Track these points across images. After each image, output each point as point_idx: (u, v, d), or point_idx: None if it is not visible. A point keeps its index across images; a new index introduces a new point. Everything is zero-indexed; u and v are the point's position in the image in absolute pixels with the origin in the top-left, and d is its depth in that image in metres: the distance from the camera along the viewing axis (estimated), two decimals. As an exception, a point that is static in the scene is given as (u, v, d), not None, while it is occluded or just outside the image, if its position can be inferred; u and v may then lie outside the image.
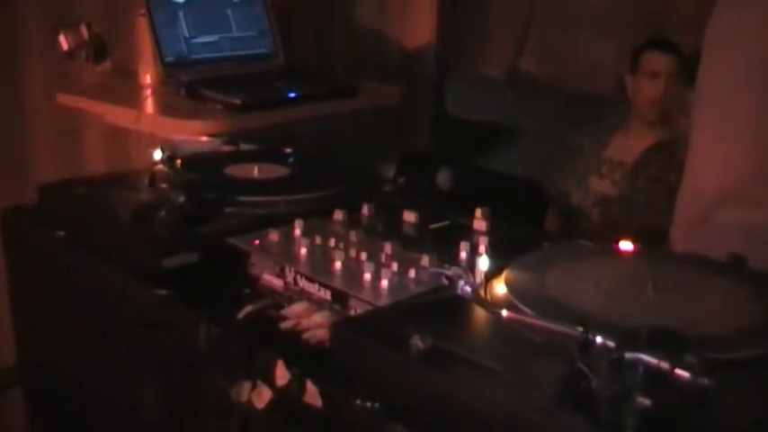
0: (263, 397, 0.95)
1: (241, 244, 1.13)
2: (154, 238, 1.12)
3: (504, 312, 0.86)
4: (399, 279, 1.00)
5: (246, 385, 0.96)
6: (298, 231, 1.15)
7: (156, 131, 1.73)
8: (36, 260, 1.37)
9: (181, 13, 1.94)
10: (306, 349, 0.97)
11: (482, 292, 0.93)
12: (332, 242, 1.11)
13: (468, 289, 0.89)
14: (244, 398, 0.96)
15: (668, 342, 0.75)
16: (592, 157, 2.65)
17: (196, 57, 1.94)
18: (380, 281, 0.99)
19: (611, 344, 0.76)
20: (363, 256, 1.06)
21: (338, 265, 1.04)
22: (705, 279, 1.02)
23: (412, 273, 1.02)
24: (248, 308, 1.06)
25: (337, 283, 1.01)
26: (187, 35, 1.94)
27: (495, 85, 3.38)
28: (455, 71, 3.42)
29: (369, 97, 2.02)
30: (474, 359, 0.82)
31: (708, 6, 1.43)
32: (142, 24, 1.97)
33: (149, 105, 1.80)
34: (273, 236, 1.13)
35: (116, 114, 1.80)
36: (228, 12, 2.04)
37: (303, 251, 1.08)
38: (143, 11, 1.95)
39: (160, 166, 1.33)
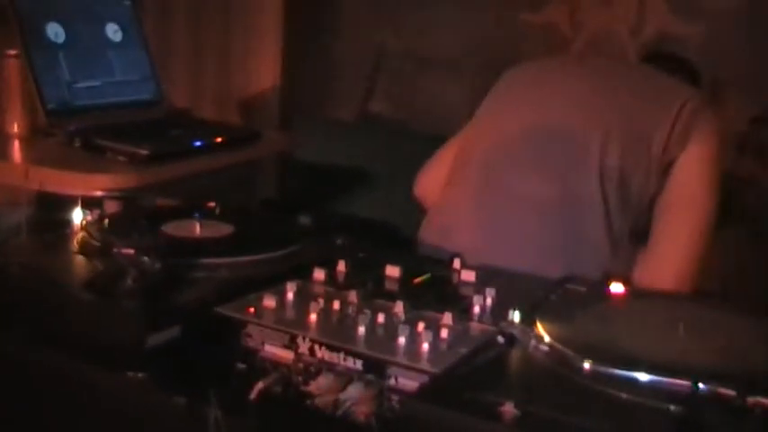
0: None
1: (233, 313, 1.00)
2: (134, 311, 0.97)
3: (587, 365, 0.82)
4: (435, 341, 0.93)
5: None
6: (291, 295, 1.04)
7: (51, 188, 1.53)
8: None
9: (60, 55, 1.75)
10: (349, 428, 0.87)
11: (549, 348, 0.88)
12: (336, 305, 1.02)
13: (543, 347, 0.84)
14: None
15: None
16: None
17: (80, 103, 1.75)
18: (419, 344, 0.92)
19: (730, 392, 0.74)
20: (381, 318, 0.98)
21: (361, 329, 0.95)
22: (712, 316, 1.04)
23: (444, 333, 0.95)
24: (259, 385, 0.94)
25: (369, 349, 0.92)
26: (69, 79, 1.75)
27: (346, 129, 3.37)
28: (303, 115, 3.37)
29: (268, 144, 1.92)
30: (569, 421, 0.77)
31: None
32: (11, 67, 1.75)
33: (35, 159, 1.59)
34: (269, 301, 1.01)
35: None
36: (109, 54, 1.86)
37: (313, 317, 0.98)
38: (11, 51, 1.73)
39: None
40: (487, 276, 1.16)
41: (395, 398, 0.89)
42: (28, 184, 1.56)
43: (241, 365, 0.99)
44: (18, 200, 1.58)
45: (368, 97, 3.38)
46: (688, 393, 0.76)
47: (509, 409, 0.77)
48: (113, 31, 1.89)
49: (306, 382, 0.94)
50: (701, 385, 0.76)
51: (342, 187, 3.18)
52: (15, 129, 1.76)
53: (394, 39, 3.32)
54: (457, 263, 1.20)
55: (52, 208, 1.53)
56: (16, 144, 1.71)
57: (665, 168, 1.53)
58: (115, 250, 1.04)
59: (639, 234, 1.52)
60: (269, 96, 3.30)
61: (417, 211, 2.81)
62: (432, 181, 1.83)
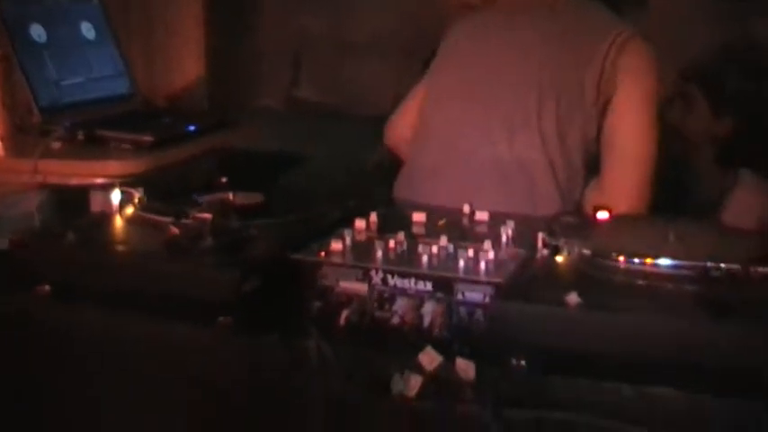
0: (412, 384, 1.01)
1: (308, 257, 1.16)
2: (221, 264, 1.11)
3: (621, 259, 1.03)
4: (487, 260, 1.12)
5: (396, 377, 1.02)
6: (349, 239, 1.20)
7: (62, 179, 1.63)
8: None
9: (45, 55, 1.83)
10: (429, 340, 1.05)
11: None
12: (392, 243, 1.19)
13: (586, 252, 1.05)
14: (394, 390, 1.02)
15: None
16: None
17: (68, 100, 1.84)
18: (476, 264, 1.10)
19: (735, 266, 0.96)
20: (435, 248, 1.16)
21: (424, 258, 1.13)
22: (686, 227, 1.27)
23: (490, 255, 1.14)
24: (345, 312, 1.10)
25: (436, 272, 1.10)
26: (56, 77, 1.83)
27: (276, 116, 3.49)
28: (231, 105, 3.47)
29: (240, 130, 2.06)
30: (617, 303, 0.98)
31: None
32: (-6, 67, 1.83)
33: (43, 153, 1.67)
34: (336, 245, 1.18)
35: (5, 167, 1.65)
36: (86, 52, 1.95)
37: (379, 253, 1.15)
38: (-5, 51, 1.81)
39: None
40: (497, 216, 1.35)
41: (463, 310, 1.08)
42: (36, 179, 1.65)
43: (318, 304, 1.15)
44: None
45: (294, 83, 3.52)
46: (701, 274, 0.98)
47: (573, 298, 0.97)
48: (87, 30, 1.98)
49: (382, 308, 1.11)
50: (709, 264, 0.98)
51: (278, 172, 3.31)
52: (-1, 128, 1.83)
53: (316, 23, 3.47)
54: (467, 208, 1.39)
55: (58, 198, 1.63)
56: (16, 141, 1.78)
57: (602, 109, 1.62)
58: (193, 216, 1.18)
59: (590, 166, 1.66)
60: (195, 89, 3.39)
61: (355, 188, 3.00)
62: (398, 130, 1.95)
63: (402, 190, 1.81)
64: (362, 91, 3.40)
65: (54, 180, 1.64)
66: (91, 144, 1.70)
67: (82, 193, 1.45)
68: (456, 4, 3.19)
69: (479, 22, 1.86)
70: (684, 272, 1.02)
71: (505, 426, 0.99)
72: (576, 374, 0.98)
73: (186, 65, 3.47)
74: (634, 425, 0.96)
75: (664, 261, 1.02)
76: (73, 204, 1.48)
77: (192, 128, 1.81)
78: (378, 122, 3.22)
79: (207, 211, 1.20)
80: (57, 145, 1.71)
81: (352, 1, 3.41)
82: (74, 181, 1.63)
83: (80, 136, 1.71)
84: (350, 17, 3.46)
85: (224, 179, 1.56)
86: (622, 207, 1.55)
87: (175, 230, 1.19)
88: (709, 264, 1.01)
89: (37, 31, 1.84)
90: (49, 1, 1.92)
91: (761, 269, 0.98)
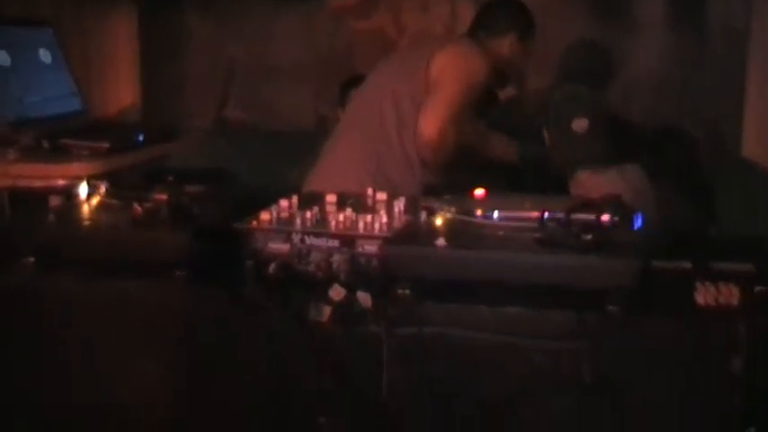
0: (324, 312, 1.36)
1: (244, 225, 1.50)
2: (183, 230, 1.45)
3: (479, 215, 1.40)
4: (380, 223, 1.47)
5: (312, 307, 1.36)
6: (276, 212, 1.55)
7: (31, 180, 1.93)
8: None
9: (11, 76, 2.13)
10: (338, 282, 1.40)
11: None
12: (308, 214, 1.53)
13: (453, 211, 1.42)
14: (311, 317, 1.36)
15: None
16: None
17: (31, 115, 2.14)
18: (373, 225, 1.46)
19: (561, 215, 1.34)
20: (341, 217, 1.50)
21: (333, 223, 1.48)
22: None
23: (384, 219, 1.49)
24: (272, 266, 1.44)
25: (342, 231, 1.45)
26: (19, 96, 2.13)
27: (205, 136, 3.80)
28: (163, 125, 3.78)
29: (180, 141, 2.39)
30: (478, 245, 1.35)
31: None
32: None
33: (12, 160, 1.96)
34: (266, 216, 1.52)
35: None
36: (43, 74, 2.25)
37: (299, 221, 1.49)
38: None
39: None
40: (393, 196, 1.71)
41: (362, 259, 1.42)
42: (6, 182, 1.94)
43: (251, 261, 1.48)
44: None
45: (222, 105, 3.85)
46: (538, 221, 1.36)
47: (441, 241, 1.33)
48: (44, 55, 2.28)
49: (300, 262, 1.45)
50: (546, 214, 1.36)
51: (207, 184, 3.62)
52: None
53: (241, 50, 3.82)
54: (370, 191, 1.75)
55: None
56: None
57: None
58: (152, 198, 1.50)
59: None
60: (129, 112, 3.70)
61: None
62: None
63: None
64: (284, 110, 3.77)
65: (24, 182, 1.94)
66: (55, 151, 2.00)
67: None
68: (370, 30, 3.59)
69: (381, 61, 2.58)
70: (526, 223, 1.39)
71: (395, 340, 1.34)
72: (446, 299, 1.34)
73: (121, 90, 3.78)
74: (487, 333, 1.32)
75: (511, 214, 1.40)
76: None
77: (140, 138, 2.13)
78: (299, 139, 3.58)
79: (163, 194, 1.52)
80: (13, 156, 2.00)
81: (273, 30, 3.79)
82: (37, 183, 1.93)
83: (45, 144, 2.01)
84: (271, 45, 3.83)
85: (170, 178, 1.89)
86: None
87: (138, 209, 1.51)
88: (543, 214, 1.38)
89: (2, 56, 2.13)
90: (12, 28, 2.22)
91: (578, 216, 1.35)
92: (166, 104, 3.85)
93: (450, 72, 2.31)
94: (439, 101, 2.26)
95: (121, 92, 3.78)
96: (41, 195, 1.83)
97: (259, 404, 1.42)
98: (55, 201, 1.77)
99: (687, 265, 1.30)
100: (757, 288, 1.26)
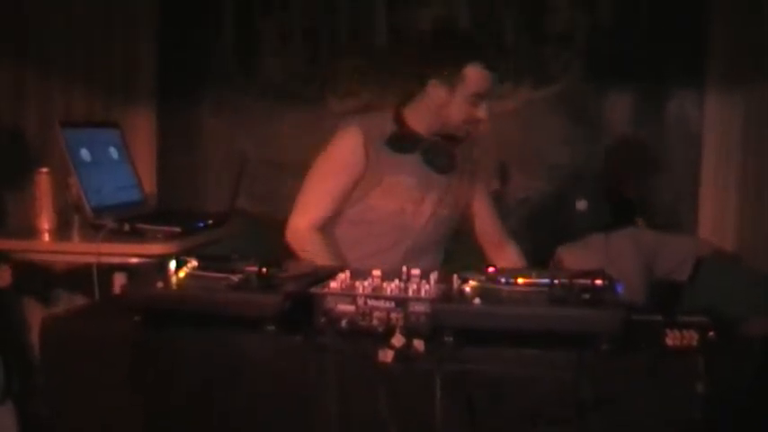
0: (388, 354, 1.78)
1: (318, 290, 1.92)
2: (274, 294, 1.87)
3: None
4: (425, 289, 1.91)
5: (379, 352, 1.78)
6: (339, 282, 1.97)
7: (119, 258, 2.34)
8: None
9: (92, 170, 2.56)
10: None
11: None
12: (366, 283, 1.97)
13: (482, 278, 1.87)
14: (379, 359, 1.78)
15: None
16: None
17: (108, 203, 2.56)
18: (420, 291, 1.89)
19: (565, 279, 1.81)
20: (393, 285, 1.94)
21: (388, 289, 1.91)
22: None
23: (426, 287, 1.93)
24: (343, 322, 1.87)
25: (397, 295, 1.88)
26: (98, 187, 2.56)
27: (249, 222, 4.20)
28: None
29: (235, 225, 2.83)
30: (504, 303, 1.80)
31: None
32: (42, 181, 2.54)
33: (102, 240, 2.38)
34: (334, 284, 1.95)
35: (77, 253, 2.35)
36: (114, 168, 2.69)
37: (360, 288, 1.92)
38: (43, 169, 2.53)
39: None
40: (424, 271, 2.16)
41: (413, 316, 1.85)
42: (99, 260, 2.35)
43: (324, 318, 1.90)
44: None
45: (234, 196, 4.28)
46: (548, 285, 1.82)
47: (477, 300, 1.78)
48: (113, 152, 2.72)
49: (364, 321, 1.87)
50: (556, 281, 1.82)
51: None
52: (46, 225, 2.53)
53: (251, 146, 4.29)
54: (404, 268, 2.19)
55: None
56: (76, 232, 2.47)
57: None
58: (243, 269, 1.93)
59: None
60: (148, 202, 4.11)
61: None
62: None
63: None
64: (288, 202, 4.22)
65: (108, 259, 2.35)
66: (133, 234, 2.42)
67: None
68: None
69: None
70: (538, 287, 1.85)
71: (443, 375, 1.77)
72: (480, 344, 1.78)
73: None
74: (511, 369, 1.76)
75: (525, 280, 1.86)
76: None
77: (201, 224, 2.56)
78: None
79: (253, 266, 1.95)
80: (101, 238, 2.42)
81: (280, 129, 4.28)
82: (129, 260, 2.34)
83: (126, 228, 2.42)
84: (276, 142, 4.31)
85: (235, 256, 2.31)
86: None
87: (234, 279, 1.93)
88: (552, 280, 1.84)
89: (85, 153, 2.57)
90: (90, 130, 2.66)
91: (579, 281, 1.82)
92: (181, 195, 4.29)
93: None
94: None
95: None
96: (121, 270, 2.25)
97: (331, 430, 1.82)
98: (120, 279, 2.20)
99: (659, 316, 1.77)
100: (710, 333, 1.73)
